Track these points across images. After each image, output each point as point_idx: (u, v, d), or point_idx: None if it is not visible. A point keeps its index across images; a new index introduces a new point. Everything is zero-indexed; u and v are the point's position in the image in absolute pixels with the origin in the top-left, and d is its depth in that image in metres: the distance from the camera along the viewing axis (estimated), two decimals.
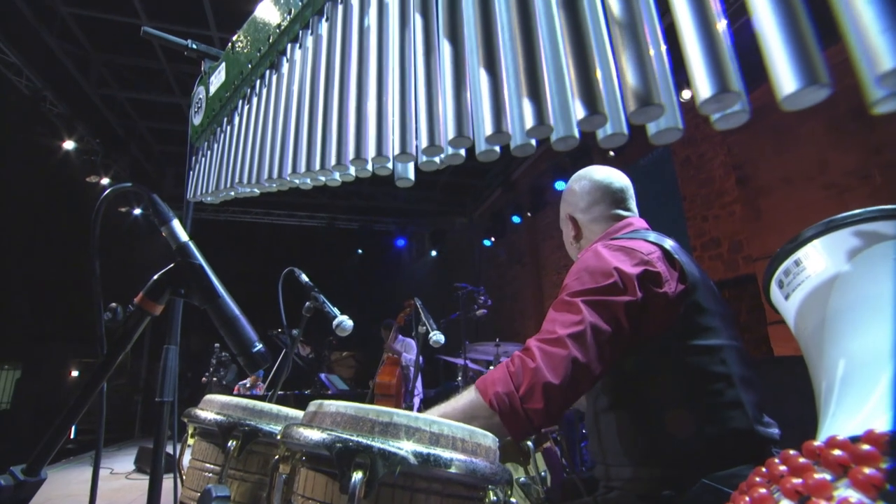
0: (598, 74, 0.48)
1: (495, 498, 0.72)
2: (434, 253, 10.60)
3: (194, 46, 1.64)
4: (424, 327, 2.49)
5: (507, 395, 0.95)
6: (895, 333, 0.47)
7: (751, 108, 0.44)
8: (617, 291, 0.99)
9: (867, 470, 0.31)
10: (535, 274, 8.25)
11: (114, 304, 0.92)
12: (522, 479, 1.39)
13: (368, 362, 7.97)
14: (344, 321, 1.78)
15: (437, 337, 2.41)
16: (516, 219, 8.01)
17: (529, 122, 0.50)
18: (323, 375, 5.95)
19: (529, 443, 1.40)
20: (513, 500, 0.75)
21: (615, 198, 1.31)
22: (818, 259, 0.64)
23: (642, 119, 0.46)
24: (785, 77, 0.36)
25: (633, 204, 1.34)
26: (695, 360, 1.03)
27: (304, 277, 1.89)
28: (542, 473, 1.42)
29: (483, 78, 0.55)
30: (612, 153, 5.09)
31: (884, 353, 0.46)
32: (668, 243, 1.13)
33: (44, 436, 0.71)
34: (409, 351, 4.98)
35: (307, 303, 1.86)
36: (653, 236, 1.15)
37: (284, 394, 5.29)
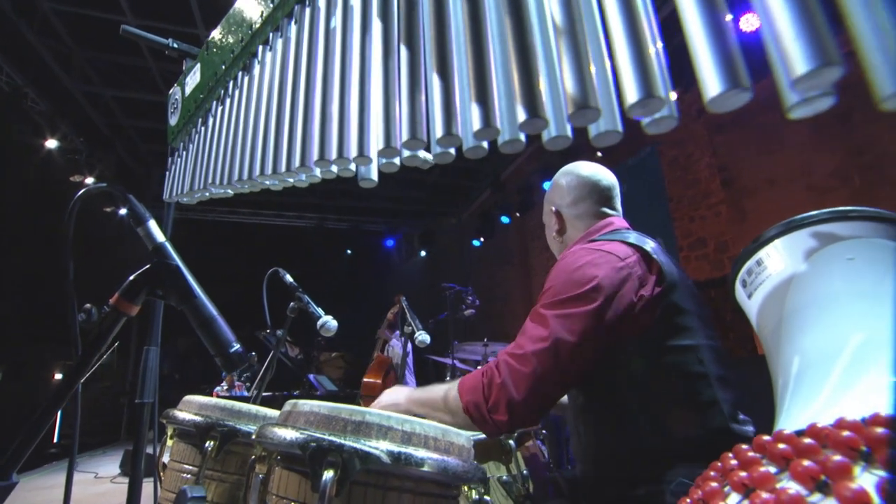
0: (542, 79, 0.49)
1: (477, 497, 0.72)
2: (423, 253, 10.59)
3: (175, 46, 1.62)
4: (410, 327, 2.49)
5: (476, 404, 1.03)
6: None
7: (679, 114, 0.46)
8: (589, 300, 1.01)
9: (806, 462, 0.33)
10: (524, 274, 8.28)
11: (88, 305, 0.91)
12: (504, 476, 1.40)
13: (358, 363, 7.94)
14: (328, 321, 1.78)
15: (422, 337, 2.41)
16: (505, 219, 8.03)
17: (477, 124, 0.51)
18: (312, 376, 5.90)
19: (511, 441, 1.41)
20: (487, 497, 0.75)
21: (601, 195, 1.32)
22: (778, 259, 0.65)
23: (580, 122, 0.47)
24: (710, 80, 0.38)
25: (618, 203, 1.34)
26: (672, 360, 1.04)
27: (289, 278, 1.89)
28: (524, 472, 1.43)
29: (436, 82, 0.56)
30: (599, 153, 5.12)
31: (834, 351, 0.47)
32: (650, 244, 1.13)
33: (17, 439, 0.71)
34: (399, 338, 4.93)
35: (291, 303, 1.85)
36: (633, 237, 1.15)
37: (273, 395, 5.25)
